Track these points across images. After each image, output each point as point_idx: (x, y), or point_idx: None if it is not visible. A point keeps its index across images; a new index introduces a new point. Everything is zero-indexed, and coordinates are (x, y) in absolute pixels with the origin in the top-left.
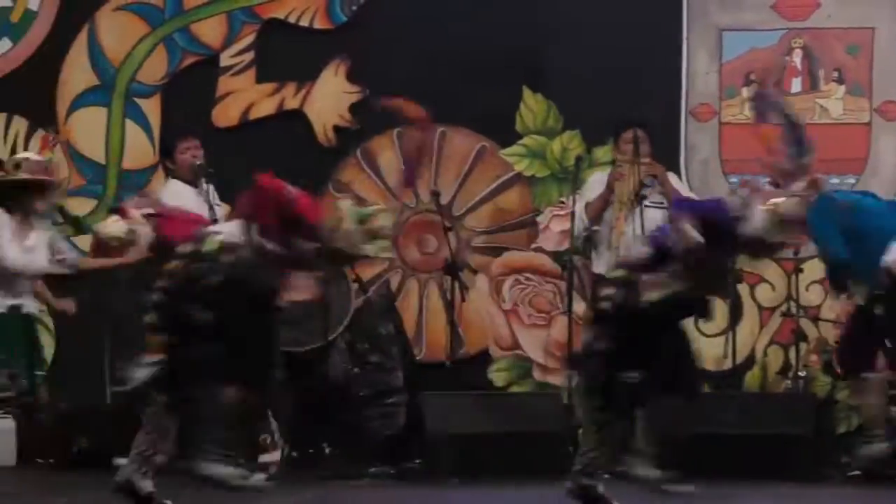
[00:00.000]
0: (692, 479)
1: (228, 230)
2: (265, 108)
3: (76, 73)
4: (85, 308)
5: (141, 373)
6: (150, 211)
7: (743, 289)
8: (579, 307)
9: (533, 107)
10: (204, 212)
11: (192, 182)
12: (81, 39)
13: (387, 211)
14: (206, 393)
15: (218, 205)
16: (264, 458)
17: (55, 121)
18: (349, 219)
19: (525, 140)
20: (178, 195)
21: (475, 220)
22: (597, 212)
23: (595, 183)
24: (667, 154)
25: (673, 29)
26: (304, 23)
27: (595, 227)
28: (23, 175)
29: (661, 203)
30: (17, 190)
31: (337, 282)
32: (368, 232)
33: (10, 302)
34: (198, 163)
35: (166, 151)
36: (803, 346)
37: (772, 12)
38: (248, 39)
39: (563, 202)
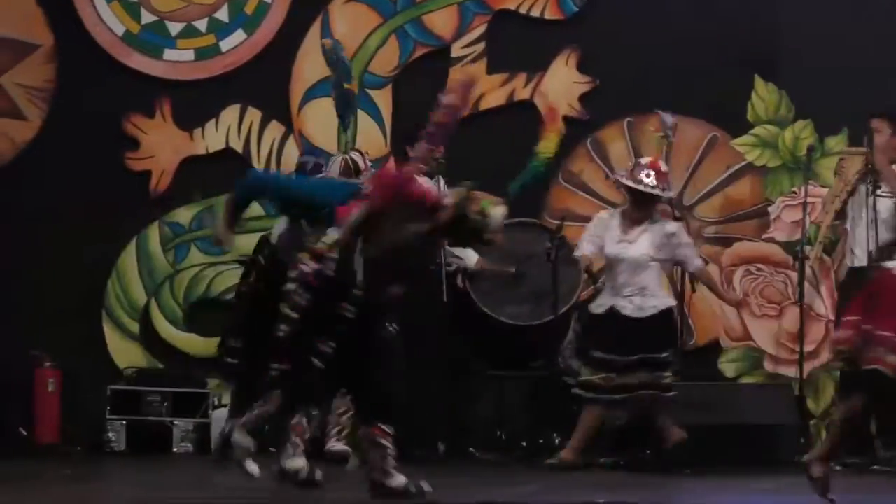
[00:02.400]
0: None
1: None
2: (496, 98)
3: (309, 65)
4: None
5: None
6: None
7: None
8: (811, 298)
9: (764, 96)
10: None
11: (427, 173)
12: (315, 31)
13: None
14: None
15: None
16: None
17: (289, 112)
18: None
19: (756, 129)
20: None
21: (706, 210)
22: (825, 203)
23: None
24: None
25: None
26: (534, 13)
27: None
28: None
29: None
30: None
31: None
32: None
33: None
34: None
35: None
36: None
37: None
38: (479, 30)
39: (794, 192)
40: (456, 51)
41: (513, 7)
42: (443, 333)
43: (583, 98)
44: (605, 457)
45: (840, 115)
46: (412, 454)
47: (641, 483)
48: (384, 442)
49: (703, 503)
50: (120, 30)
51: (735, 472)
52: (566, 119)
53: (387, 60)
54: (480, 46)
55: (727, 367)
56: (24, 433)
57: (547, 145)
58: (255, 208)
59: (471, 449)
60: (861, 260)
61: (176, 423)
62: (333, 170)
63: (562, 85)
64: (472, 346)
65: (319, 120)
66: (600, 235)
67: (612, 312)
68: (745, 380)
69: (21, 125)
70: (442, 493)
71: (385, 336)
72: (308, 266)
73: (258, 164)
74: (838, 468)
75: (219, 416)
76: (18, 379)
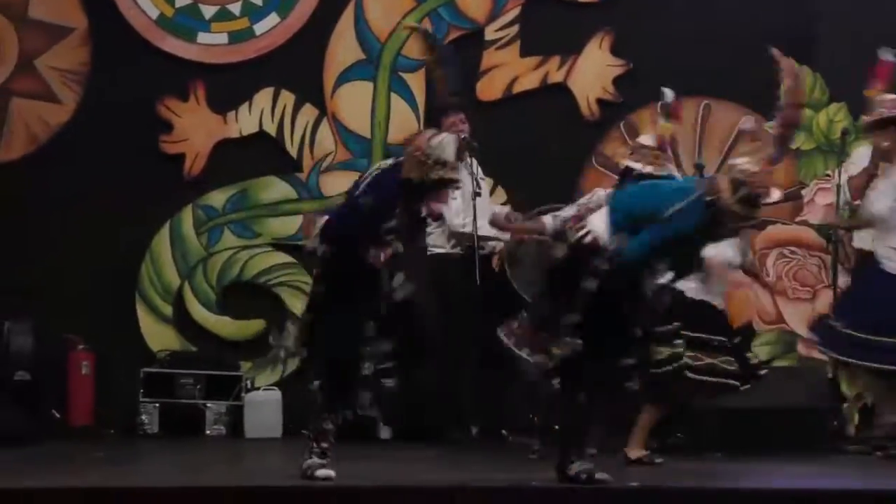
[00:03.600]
0: None
1: None
2: (529, 81)
3: (343, 48)
4: None
5: None
6: None
7: None
8: (844, 281)
9: None
10: (468, 186)
11: (458, 156)
12: (348, 14)
13: None
14: None
15: (483, 178)
16: None
17: (322, 95)
18: None
19: None
20: None
21: None
22: (860, 186)
23: (860, 157)
24: None
25: None
26: None
27: (857, 202)
28: None
29: None
30: None
31: None
32: None
33: None
34: (463, 136)
35: (432, 125)
36: None
37: None
38: (513, 13)
39: (828, 175)
40: (490, 34)
41: None
42: (476, 316)
43: (616, 81)
44: None
45: None
46: (445, 437)
47: (673, 467)
48: None
49: (735, 486)
50: (154, 13)
51: (767, 456)
52: (599, 102)
53: (420, 43)
54: (514, 29)
55: (760, 350)
56: (58, 416)
57: None
58: (287, 190)
59: (503, 432)
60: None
61: (209, 405)
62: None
63: (595, 68)
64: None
65: (353, 103)
66: None
67: None
68: (779, 363)
69: (55, 108)
70: (474, 476)
71: None
72: None
73: (291, 148)
74: (878, 454)
75: (251, 399)
76: (52, 362)
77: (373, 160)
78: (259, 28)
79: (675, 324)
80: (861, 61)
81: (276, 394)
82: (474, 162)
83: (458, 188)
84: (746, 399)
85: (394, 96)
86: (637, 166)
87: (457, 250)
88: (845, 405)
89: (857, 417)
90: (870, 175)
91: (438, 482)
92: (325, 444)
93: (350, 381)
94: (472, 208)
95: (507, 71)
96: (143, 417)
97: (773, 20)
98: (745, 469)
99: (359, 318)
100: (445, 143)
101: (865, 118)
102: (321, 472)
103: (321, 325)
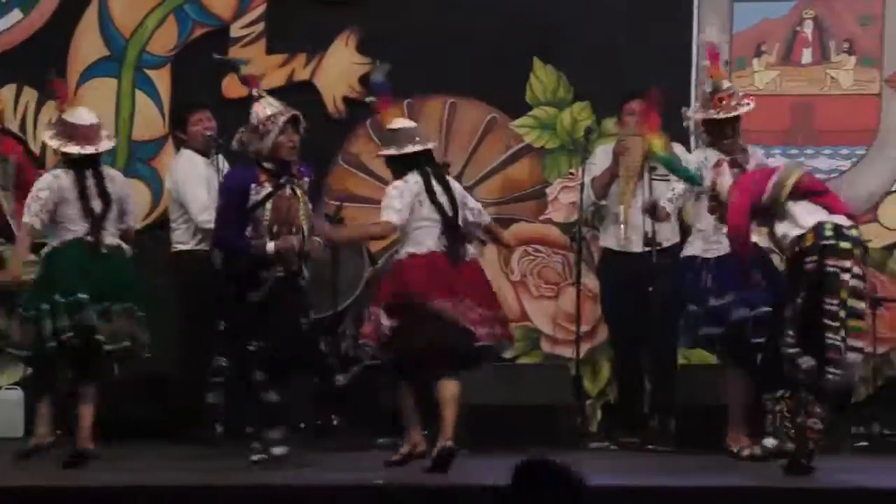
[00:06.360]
0: None
1: None
2: (275, 79)
3: (86, 44)
4: None
5: None
6: None
7: None
8: (588, 279)
9: (543, 78)
10: (215, 183)
11: (204, 153)
12: (92, 10)
13: None
14: None
15: None
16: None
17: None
18: None
19: (535, 111)
20: (191, 166)
21: (485, 192)
22: (603, 185)
23: (601, 155)
24: (677, 125)
25: None
26: None
27: (602, 202)
28: None
29: (668, 176)
30: None
31: (349, 251)
32: None
33: None
34: (209, 134)
35: (178, 122)
36: None
37: None
38: (258, 10)
39: (572, 174)
40: (235, 31)
41: None
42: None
43: (363, 79)
44: (383, 436)
45: (617, 98)
46: (190, 435)
47: (419, 462)
48: None
49: (481, 482)
50: None
51: (510, 452)
52: (346, 100)
53: (165, 40)
54: (260, 26)
55: None
56: None
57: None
58: None
59: (248, 430)
60: (636, 244)
61: None
62: None
63: (342, 66)
64: None
65: (97, 100)
66: None
67: None
68: (523, 360)
69: None
70: (219, 476)
71: None
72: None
73: (34, 145)
74: (613, 448)
75: None
76: None
77: (117, 157)
78: (1, 24)
79: None
80: (603, 60)
81: (18, 393)
82: (221, 159)
83: None
84: (491, 396)
85: (138, 93)
86: None
87: (202, 247)
88: (588, 402)
89: (599, 414)
90: (612, 174)
91: (181, 481)
92: None
93: None
94: None
95: (252, 68)
96: None
97: (518, 19)
98: (490, 464)
99: None
100: None
101: None
102: None
103: None
